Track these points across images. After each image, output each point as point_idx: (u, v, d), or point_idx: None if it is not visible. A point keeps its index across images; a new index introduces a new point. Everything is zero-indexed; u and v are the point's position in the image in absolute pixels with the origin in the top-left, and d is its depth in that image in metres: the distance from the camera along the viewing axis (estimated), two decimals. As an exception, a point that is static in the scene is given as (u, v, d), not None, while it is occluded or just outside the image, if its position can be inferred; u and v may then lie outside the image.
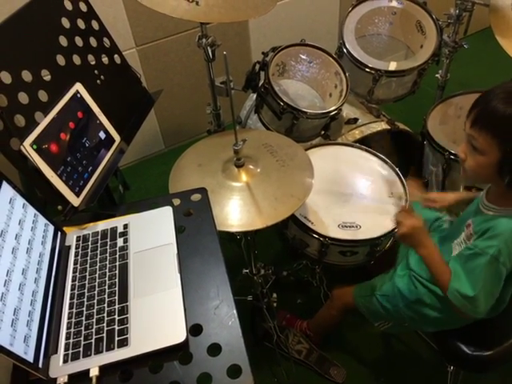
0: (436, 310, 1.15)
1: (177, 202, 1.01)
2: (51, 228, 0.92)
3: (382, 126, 1.71)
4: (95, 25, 1.20)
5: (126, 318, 0.78)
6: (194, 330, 0.78)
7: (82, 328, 0.77)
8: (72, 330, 0.77)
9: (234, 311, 0.80)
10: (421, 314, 1.19)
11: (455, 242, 1.11)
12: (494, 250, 0.95)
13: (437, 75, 1.89)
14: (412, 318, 1.22)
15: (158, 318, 0.78)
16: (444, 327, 1.21)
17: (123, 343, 0.75)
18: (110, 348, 0.74)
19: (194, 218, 0.98)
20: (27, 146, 0.90)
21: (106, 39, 1.22)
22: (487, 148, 0.91)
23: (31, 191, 1.06)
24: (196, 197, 1.02)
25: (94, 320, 0.79)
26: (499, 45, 1.48)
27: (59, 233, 0.94)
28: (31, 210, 0.87)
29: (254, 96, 1.63)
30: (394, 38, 1.81)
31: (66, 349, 0.75)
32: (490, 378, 1.51)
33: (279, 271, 1.70)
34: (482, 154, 0.93)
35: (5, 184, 0.80)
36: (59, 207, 0.96)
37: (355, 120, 1.73)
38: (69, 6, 1.12)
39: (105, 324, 0.78)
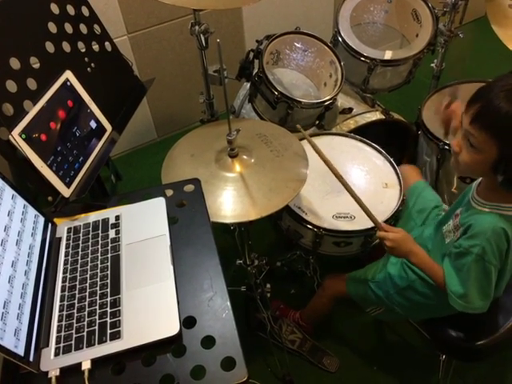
0: (426, 297, 1.17)
1: (169, 192, 1.00)
2: (41, 219, 0.90)
3: (377, 115, 1.70)
4: (85, 11, 1.17)
5: (119, 310, 0.77)
6: (188, 322, 0.77)
7: (74, 321, 0.76)
8: (63, 322, 0.76)
9: (228, 303, 0.79)
10: (411, 301, 1.20)
11: (444, 228, 1.12)
12: (478, 248, 0.95)
13: (432, 65, 1.88)
14: (403, 305, 1.23)
15: (150, 310, 0.77)
16: (435, 315, 1.22)
17: (115, 336, 0.74)
18: (102, 341, 0.73)
19: (187, 208, 0.96)
20: (16, 136, 0.88)
21: (96, 26, 1.19)
22: (485, 146, 0.90)
23: (22, 182, 1.04)
24: (189, 187, 1.00)
25: (86, 313, 0.78)
26: (495, 34, 1.47)
27: (50, 224, 0.92)
28: (20, 201, 0.85)
29: (248, 85, 1.61)
30: (389, 27, 1.79)
31: (58, 342, 0.74)
32: (482, 366, 1.52)
33: (273, 262, 1.70)
34: (479, 152, 0.91)
35: (-8, 175, 0.79)
36: (49, 198, 0.94)
37: (350, 110, 1.72)
38: (58, -9, 1.10)
39: (97, 317, 0.77)
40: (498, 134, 0.87)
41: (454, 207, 1.14)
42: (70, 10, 1.13)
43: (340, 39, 1.66)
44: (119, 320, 0.76)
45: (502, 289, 1.09)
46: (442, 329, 1.20)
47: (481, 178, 1.06)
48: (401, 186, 1.38)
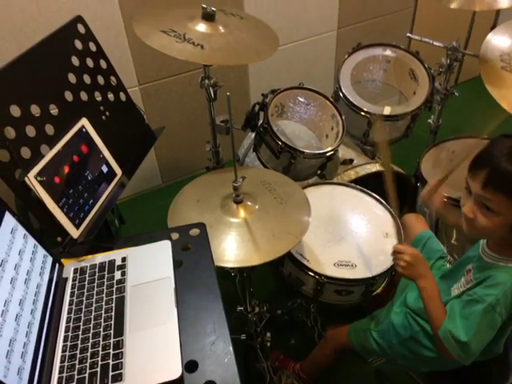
0: (429, 349, 1.15)
1: (175, 236, 1.02)
2: (49, 259, 0.92)
3: (377, 167, 1.76)
4: (103, 64, 1.25)
5: (121, 352, 0.77)
6: (190, 366, 0.77)
7: (76, 362, 0.76)
8: (66, 363, 0.76)
9: (231, 348, 0.79)
10: (414, 352, 1.19)
11: (455, 286, 1.11)
12: (493, 298, 0.95)
13: (429, 120, 1.96)
14: (405, 356, 1.21)
15: (153, 352, 0.77)
16: (436, 368, 1.20)
17: (117, 378, 0.73)
18: (103, 383, 0.73)
19: (192, 252, 0.98)
20: (31, 178, 0.92)
21: (113, 77, 1.27)
22: (504, 209, 0.91)
23: (26, 222, 1.07)
24: (195, 231, 1.03)
25: (89, 354, 0.78)
26: (489, 93, 1.55)
27: (57, 264, 0.94)
28: (31, 241, 0.87)
29: (253, 135, 1.67)
30: (388, 85, 1.89)
31: (59, 383, 0.73)
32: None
33: (273, 309, 1.69)
34: (498, 215, 0.93)
35: (7, 214, 0.81)
36: (59, 239, 0.96)
37: (351, 161, 1.78)
38: (79, 45, 1.17)
39: (99, 358, 0.77)
40: None
41: (462, 262, 1.14)
42: (90, 62, 1.20)
43: (341, 95, 1.74)
44: (121, 362, 0.76)
45: (501, 346, 1.08)
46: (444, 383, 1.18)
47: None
48: (401, 236, 1.40)
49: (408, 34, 1.93)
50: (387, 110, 1.74)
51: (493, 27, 1.69)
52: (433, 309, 1.06)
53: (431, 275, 1.11)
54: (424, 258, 1.13)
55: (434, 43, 1.77)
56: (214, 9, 1.30)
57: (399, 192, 1.86)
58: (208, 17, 1.30)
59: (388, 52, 1.85)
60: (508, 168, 0.90)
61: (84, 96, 1.15)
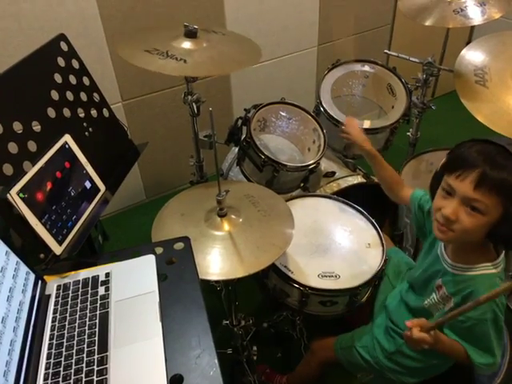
0: (415, 360, 1.16)
1: (159, 250, 1.02)
2: (32, 276, 0.91)
3: (358, 179, 1.79)
4: (86, 81, 1.26)
5: (106, 368, 0.77)
6: (175, 380, 0.76)
7: (60, 379, 0.75)
8: (49, 380, 0.75)
9: (216, 360, 0.79)
10: (401, 364, 1.20)
11: (427, 302, 1.11)
12: (490, 313, 0.97)
13: (408, 133, 2.01)
14: (393, 370, 1.22)
15: (138, 367, 0.77)
16: (425, 377, 1.21)
17: (102, 395, 0.73)
18: (88, 400, 0.72)
19: (176, 266, 0.98)
20: (14, 195, 0.91)
21: (96, 94, 1.28)
22: (491, 208, 0.91)
23: (8, 238, 1.06)
24: (179, 245, 1.03)
25: (73, 370, 0.77)
26: (464, 106, 1.60)
27: (40, 281, 0.93)
28: (13, 258, 0.86)
29: (236, 149, 1.69)
30: (367, 99, 1.94)
31: (42, 401, 0.73)
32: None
33: (259, 323, 1.69)
34: (484, 214, 0.92)
35: (-11, 231, 0.81)
36: (41, 255, 0.96)
37: (333, 173, 1.80)
38: (62, 62, 1.19)
39: (83, 375, 0.76)
40: (505, 194, 0.90)
41: (427, 277, 1.13)
42: (72, 79, 1.21)
43: (322, 109, 1.78)
44: (106, 378, 0.75)
45: None
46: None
47: (440, 248, 1.09)
48: (383, 246, 1.43)
49: (385, 51, 1.99)
50: (367, 124, 1.78)
51: (468, 42, 1.75)
52: (456, 356, 1.06)
53: (443, 338, 1.03)
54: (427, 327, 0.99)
55: (411, 59, 1.82)
56: (195, 26, 1.33)
57: (381, 203, 1.91)
58: (190, 34, 1.33)
59: (366, 68, 1.90)
60: (500, 170, 0.90)
61: (67, 112, 1.16)
